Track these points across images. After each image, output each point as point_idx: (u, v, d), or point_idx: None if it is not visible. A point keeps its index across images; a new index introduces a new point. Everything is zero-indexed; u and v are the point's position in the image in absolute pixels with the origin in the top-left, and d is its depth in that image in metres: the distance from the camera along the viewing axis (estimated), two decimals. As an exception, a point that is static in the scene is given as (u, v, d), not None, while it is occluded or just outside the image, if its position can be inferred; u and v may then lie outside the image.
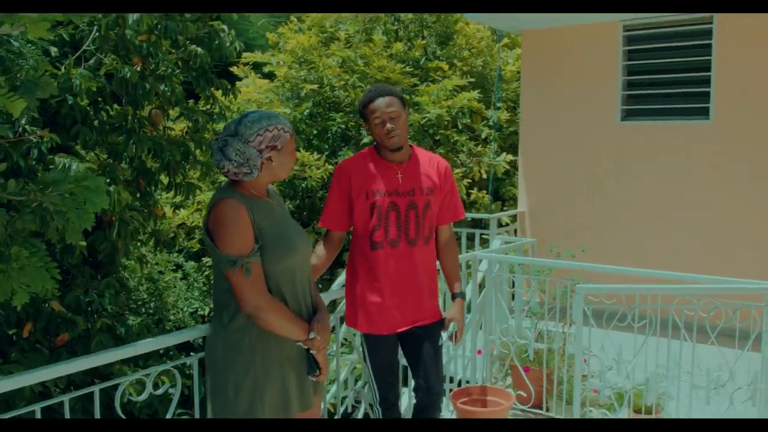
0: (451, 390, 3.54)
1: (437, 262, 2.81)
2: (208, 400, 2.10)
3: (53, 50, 3.11)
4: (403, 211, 2.63)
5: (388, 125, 2.56)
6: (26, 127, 3.68)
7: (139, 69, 4.34)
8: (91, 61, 3.79)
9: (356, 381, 4.49)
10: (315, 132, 6.84)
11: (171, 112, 4.95)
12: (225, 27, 4.97)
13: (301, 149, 6.40)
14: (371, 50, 7.09)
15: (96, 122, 4.08)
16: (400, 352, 2.78)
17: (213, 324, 2.14)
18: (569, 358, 3.45)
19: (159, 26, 3.95)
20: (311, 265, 2.31)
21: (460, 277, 2.85)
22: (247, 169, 2.05)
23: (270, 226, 2.09)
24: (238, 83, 8.54)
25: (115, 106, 4.09)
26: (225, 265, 1.99)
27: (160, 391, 2.29)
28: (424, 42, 7.66)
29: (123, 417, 2.12)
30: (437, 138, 6.65)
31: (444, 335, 2.69)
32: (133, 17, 3.60)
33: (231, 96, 5.14)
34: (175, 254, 7.78)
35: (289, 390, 2.10)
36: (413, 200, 2.64)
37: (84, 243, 3.86)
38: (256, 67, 8.48)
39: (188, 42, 4.46)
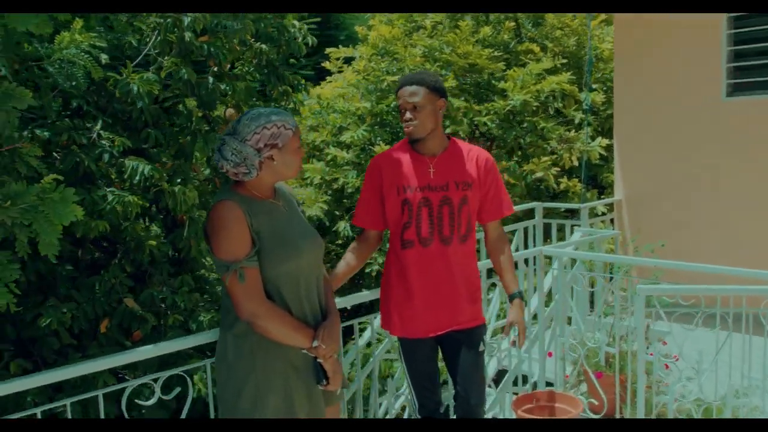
0: (516, 394, 3.31)
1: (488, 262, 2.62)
2: (218, 406, 2.05)
3: (103, 57, 3.19)
4: (436, 207, 2.45)
5: (407, 114, 2.42)
6: (100, 132, 3.84)
7: (216, 70, 4.44)
8: (155, 66, 3.88)
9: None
10: (401, 124, 6.72)
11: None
12: (296, 23, 4.96)
13: (381, 142, 6.30)
14: (458, 36, 6.86)
15: (167, 124, 4.19)
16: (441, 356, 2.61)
17: (219, 329, 2.09)
18: (646, 365, 3.11)
19: (219, 26, 3.99)
20: (320, 267, 2.18)
21: (516, 275, 2.62)
22: (245, 168, 1.97)
23: (269, 229, 1.99)
24: (328, 78, 8.61)
25: (180, 107, 4.17)
26: (220, 270, 1.93)
27: (170, 396, 2.27)
28: (513, 25, 7.30)
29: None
30: (524, 125, 6.32)
31: (506, 340, 2.49)
32: (187, 19, 3.64)
33: (305, 91, 5.14)
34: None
35: (293, 398, 2.00)
36: (447, 195, 2.45)
37: (153, 242, 3.96)
38: (350, 61, 8.48)
39: (253, 40, 4.49)
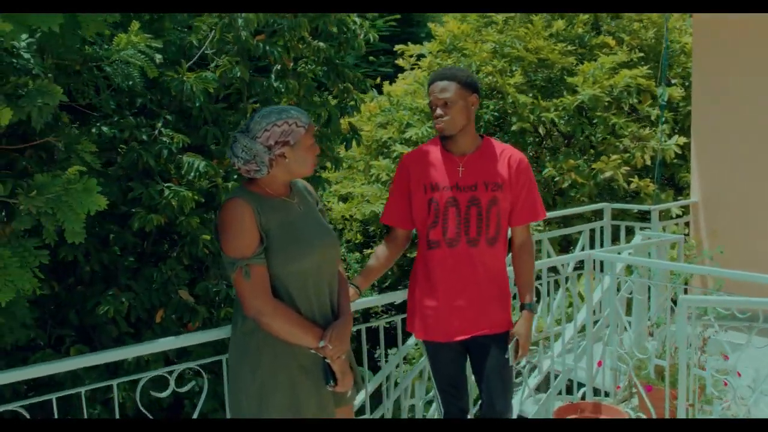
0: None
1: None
2: (227, 403, 2.08)
3: (158, 57, 3.29)
4: (464, 207, 2.38)
5: (438, 111, 2.36)
6: (161, 129, 3.98)
7: (279, 68, 4.52)
8: (213, 65, 3.98)
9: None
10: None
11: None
12: (357, 20, 4.97)
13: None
14: (530, 31, 6.67)
15: (226, 122, 4.30)
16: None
17: (231, 326, 2.11)
18: (699, 380, 2.91)
19: (275, 24, 4.04)
20: (334, 267, 2.15)
21: (533, 286, 2.51)
22: (256, 166, 1.98)
23: (279, 228, 1.99)
24: (401, 75, 8.59)
25: (241, 106, 4.26)
26: (228, 267, 1.94)
27: (184, 389, 2.31)
28: (588, 18, 7.02)
29: (148, 415, 2.19)
30: (594, 122, 6.07)
31: (509, 350, 2.39)
32: (240, 18, 3.71)
33: (370, 88, 5.14)
34: (343, 246, 8.04)
35: (300, 398, 1.99)
36: (475, 196, 2.37)
37: (208, 236, 4.06)
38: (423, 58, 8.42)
39: (311, 38, 4.52)
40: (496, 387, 2.40)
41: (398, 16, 14.37)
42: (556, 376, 3.57)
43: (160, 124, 3.99)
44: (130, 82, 3.23)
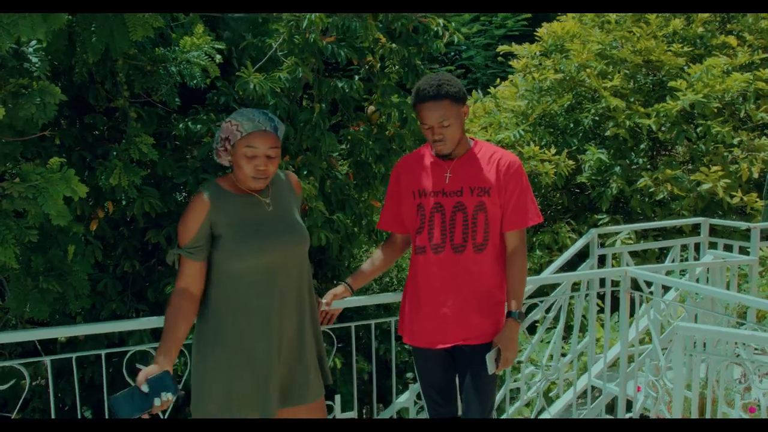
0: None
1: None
2: None
3: (218, 58, 3.54)
4: (449, 213, 2.34)
5: (436, 136, 2.32)
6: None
7: (367, 68, 4.68)
8: (284, 65, 4.19)
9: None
10: (570, 125, 6.36)
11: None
12: (440, 21, 4.98)
13: (531, 143, 6.04)
14: (643, 30, 6.29)
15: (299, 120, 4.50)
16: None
17: None
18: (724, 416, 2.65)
19: (345, 26, 4.17)
20: (300, 269, 2.23)
21: (520, 295, 2.40)
22: (218, 156, 2.12)
23: (231, 225, 2.09)
24: (510, 76, 8.43)
25: (307, 104, 4.44)
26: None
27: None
28: (708, 16, 6.49)
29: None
30: (698, 129, 5.61)
31: (487, 361, 2.32)
32: (305, 21, 3.87)
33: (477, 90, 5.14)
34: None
35: (233, 395, 2.11)
36: (461, 201, 2.34)
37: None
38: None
39: (385, 39, 4.60)
40: (471, 400, 2.36)
41: (529, 16, 14.06)
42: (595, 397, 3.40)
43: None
44: (194, 81, 3.51)
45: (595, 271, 3.25)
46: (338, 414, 2.76)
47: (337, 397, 2.75)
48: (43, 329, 2.92)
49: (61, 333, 2.68)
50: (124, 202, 3.84)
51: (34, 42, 1.97)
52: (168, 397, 1.93)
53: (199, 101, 4.44)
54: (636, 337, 3.35)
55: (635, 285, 3.20)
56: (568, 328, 3.79)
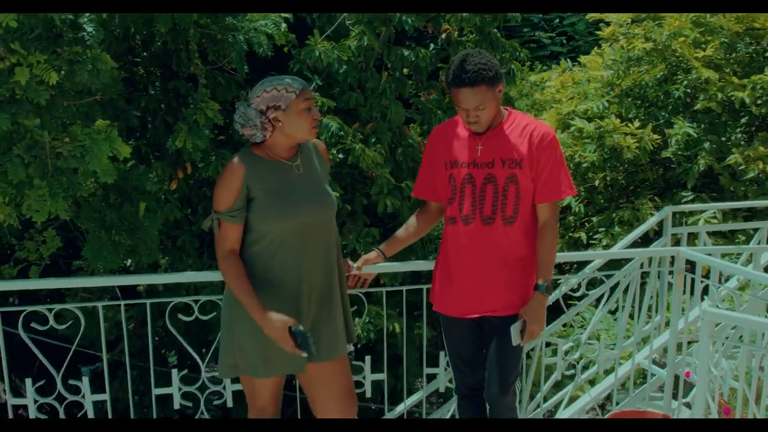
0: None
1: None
2: None
3: (283, 27, 3.64)
4: (479, 184, 2.35)
5: (471, 118, 2.32)
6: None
7: (444, 37, 4.70)
8: (352, 35, 4.26)
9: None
10: (660, 96, 6.05)
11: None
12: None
13: (613, 115, 5.80)
14: (748, -4, 5.82)
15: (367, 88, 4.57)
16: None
17: None
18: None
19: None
20: (329, 233, 2.32)
21: (551, 267, 2.38)
22: (251, 130, 2.19)
23: (265, 189, 2.19)
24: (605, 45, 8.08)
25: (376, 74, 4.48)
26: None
27: (208, 317, 2.66)
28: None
29: (174, 332, 2.59)
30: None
31: (512, 332, 2.32)
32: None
33: (524, 59, 5.05)
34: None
35: (268, 348, 2.23)
36: (491, 173, 2.33)
37: (336, 193, 4.40)
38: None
39: (457, 8, 4.56)
40: (493, 371, 2.39)
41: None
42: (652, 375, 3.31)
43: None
44: (261, 49, 3.65)
45: (642, 250, 3.14)
46: (368, 375, 2.87)
47: (367, 358, 2.86)
48: (114, 276, 3.20)
49: (128, 281, 2.96)
50: (201, 164, 4.09)
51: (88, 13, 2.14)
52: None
53: (278, 69, 4.61)
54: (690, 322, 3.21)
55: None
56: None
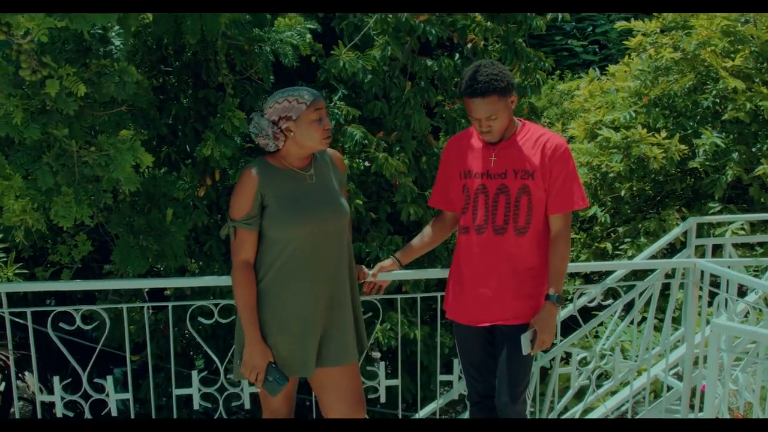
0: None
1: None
2: None
3: (308, 37, 3.72)
4: (492, 195, 2.38)
5: (484, 128, 2.36)
6: (336, 101, 4.49)
7: (469, 47, 4.75)
8: (376, 45, 4.32)
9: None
10: (689, 106, 5.98)
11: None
12: (543, -2, 4.89)
13: (640, 126, 5.75)
14: (781, 5, 5.73)
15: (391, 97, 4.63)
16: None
17: None
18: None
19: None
20: (339, 241, 2.37)
21: (562, 278, 2.39)
22: (264, 140, 2.27)
23: (278, 197, 2.25)
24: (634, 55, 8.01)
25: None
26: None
27: (228, 320, 2.73)
28: None
29: (195, 335, 2.66)
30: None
31: (522, 341, 2.35)
32: None
33: (547, 67, 5.06)
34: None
35: (279, 351, 2.32)
36: (504, 183, 2.36)
37: (360, 201, 4.46)
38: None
39: (481, 18, 4.60)
40: (503, 379, 2.42)
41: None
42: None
43: (336, 97, 4.49)
44: (287, 59, 3.74)
45: (663, 261, 3.12)
46: (382, 380, 2.92)
47: (381, 364, 2.90)
48: (135, 280, 3.29)
49: (148, 284, 3.06)
50: (230, 171, 4.20)
51: (117, 27, 2.24)
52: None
53: (305, 78, 4.70)
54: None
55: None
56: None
